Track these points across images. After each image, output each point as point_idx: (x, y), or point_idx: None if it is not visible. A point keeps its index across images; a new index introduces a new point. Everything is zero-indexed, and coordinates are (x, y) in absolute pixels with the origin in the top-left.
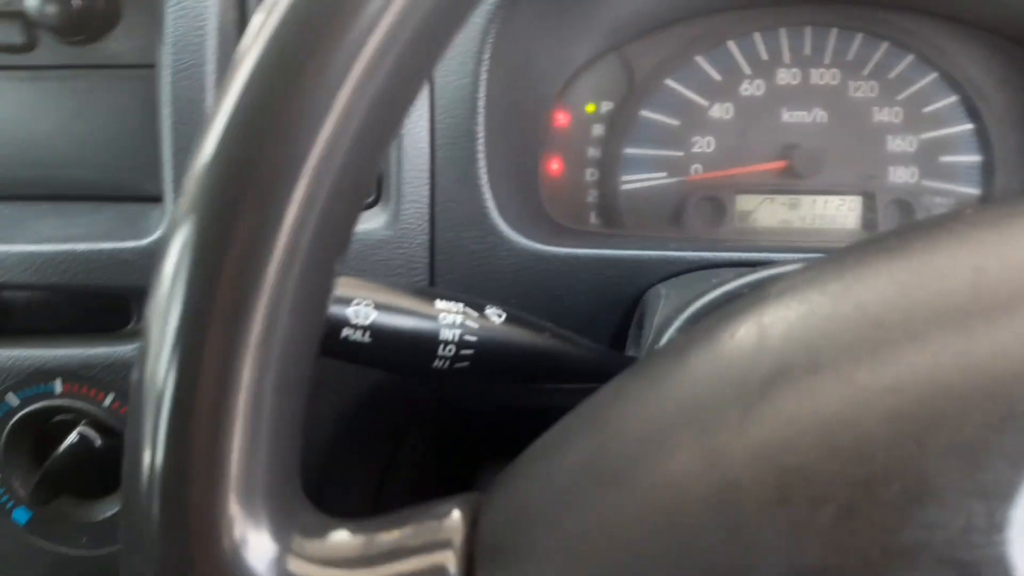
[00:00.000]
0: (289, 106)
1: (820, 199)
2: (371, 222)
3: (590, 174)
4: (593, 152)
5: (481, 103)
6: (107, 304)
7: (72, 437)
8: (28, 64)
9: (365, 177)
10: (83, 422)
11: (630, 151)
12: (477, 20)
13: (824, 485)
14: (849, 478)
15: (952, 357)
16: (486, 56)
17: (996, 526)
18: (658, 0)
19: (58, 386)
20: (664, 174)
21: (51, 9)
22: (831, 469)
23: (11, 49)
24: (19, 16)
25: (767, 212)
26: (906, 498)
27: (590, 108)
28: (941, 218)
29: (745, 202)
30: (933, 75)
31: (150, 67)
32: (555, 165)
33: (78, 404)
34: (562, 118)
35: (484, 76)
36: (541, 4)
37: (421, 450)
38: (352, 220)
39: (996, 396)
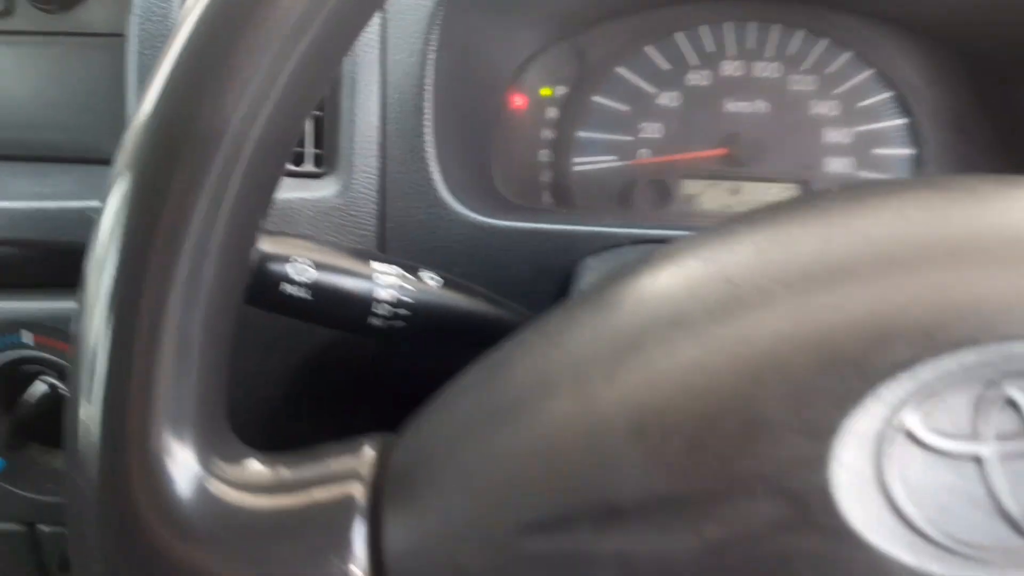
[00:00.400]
0: (217, 70)
1: (761, 186)
2: (322, 190)
3: (544, 155)
4: (547, 134)
5: (428, 81)
6: (74, 261)
7: (40, 387)
8: (3, 30)
9: (287, 140)
10: (51, 374)
11: (582, 134)
12: (425, 2)
13: (674, 419)
14: (695, 413)
15: (790, 311)
16: (433, 36)
17: (820, 459)
18: None
19: (27, 337)
20: (614, 157)
21: None
22: (680, 405)
23: None
24: None
25: (710, 196)
26: (742, 432)
27: (545, 92)
28: (811, 195)
29: (690, 186)
30: (869, 72)
31: (119, 36)
32: (510, 144)
33: (46, 355)
34: (518, 100)
35: (431, 56)
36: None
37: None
38: (275, 180)
39: (823, 345)
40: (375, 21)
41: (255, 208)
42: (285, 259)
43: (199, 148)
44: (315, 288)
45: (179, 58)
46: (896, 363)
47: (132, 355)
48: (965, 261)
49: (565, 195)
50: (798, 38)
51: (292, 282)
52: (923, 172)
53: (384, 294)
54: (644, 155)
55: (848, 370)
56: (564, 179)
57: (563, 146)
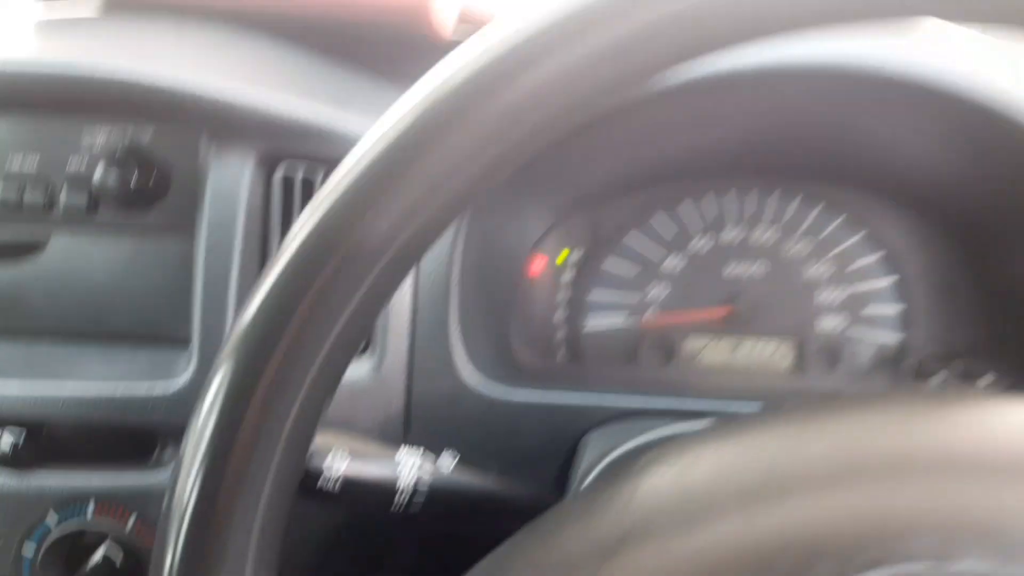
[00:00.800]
0: (308, 301)
1: (759, 343)
2: (357, 371)
3: (559, 315)
4: (562, 296)
5: (456, 270)
6: (137, 437)
7: (97, 556)
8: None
9: (356, 344)
10: (108, 540)
11: (594, 296)
12: None
13: None
14: None
15: (735, 528)
16: (462, 228)
17: None
18: (620, 174)
19: (91, 508)
20: (623, 317)
21: (111, 179)
22: None
23: (77, 211)
24: (87, 185)
25: (712, 352)
26: None
27: (561, 258)
28: (763, 414)
29: (693, 342)
30: (860, 234)
31: (189, 233)
32: (528, 307)
33: (105, 525)
34: (538, 266)
35: (460, 247)
36: (510, 189)
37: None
38: (342, 373)
39: (759, 561)
40: None
41: (327, 394)
42: (323, 454)
43: (292, 358)
44: (346, 480)
45: (280, 278)
46: None
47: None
48: (873, 487)
49: (578, 352)
50: (793, 206)
51: (325, 476)
52: (911, 329)
53: (405, 482)
54: (651, 314)
55: None
56: (577, 338)
57: (577, 307)
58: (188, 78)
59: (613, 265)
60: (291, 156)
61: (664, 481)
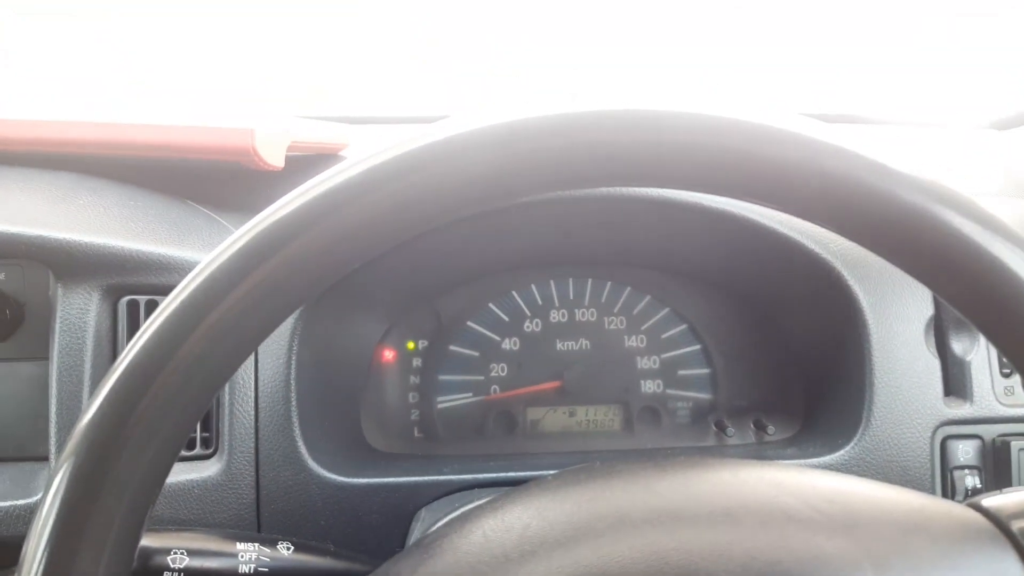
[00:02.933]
0: (134, 416)
1: (591, 408)
2: (207, 471)
3: (412, 397)
4: (414, 379)
5: (292, 373)
6: (3, 550)
7: None
8: None
9: (175, 452)
10: None
11: (443, 377)
12: (287, 321)
13: None
14: None
15: None
16: (296, 337)
17: None
18: (453, 272)
19: None
20: (470, 394)
21: None
22: None
23: None
24: None
25: (551, 420)
26: None
27: (410, 345)
28: (528, 487)
29: (534, 413)
30: (666, 310)
31: (44, 359)
32: (382, 392)
33: None
34: (388, 354)
35: (295, 352)
36: (342, 296)
37: None
38: (164, 477)
39: None
40: None
41: (151, 499)
42: (166, 552)
43: (116, 452)
44: (188, 573)
45: (107, 398)
46: None
47: None
48: (596, 543)
49: (432, 430)
50: (607, 288)
51: (170, 570)
52: (718, 388)
53: (245, 568)
54: (495, 391)
55: None
56: (431, 416)
57: (428, 389)
58: (33, 223)
59: (458, 349)
60: (133, 288)
61: (443, 552)
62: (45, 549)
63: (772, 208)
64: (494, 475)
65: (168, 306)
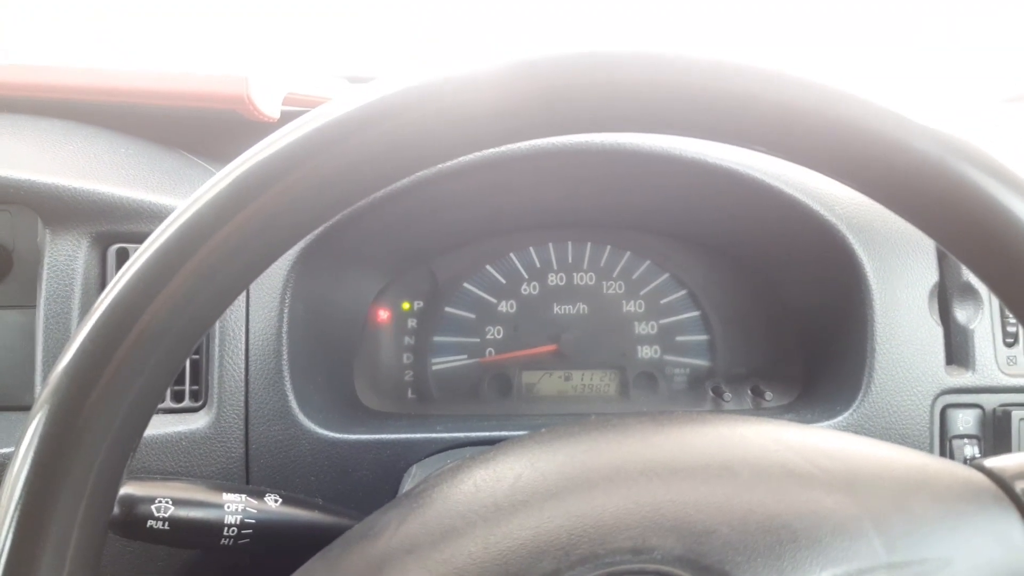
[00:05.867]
0: (113, 361)
1: (587, 373)
2: (195, 423)
3: (406, 358)
4: (408, 340)
5: (284, 328)
6: None
7: None
8: None
9: (154, 402)
10: None
11: (438, 339)
12: (280, 265)
13: None
14: None
15: (481, 538)
16: (288, 292)
17: None
18: (450, 232)
19: None
20: (465, 356)
21: None
22: None
23: None
24: None
25: (547, 384)
26: None
27: (405, 306)
28: (523, 437)
29: (529, 376)
30: (665, 275)
31: (32, 307)
32: (376, 352)
33: None
34: (383, 314)
35: (287, 307)
36: (336, 253)
37: None
38: (144, 425)
39: (497, 564)
40: None
41: (129, 450)
42: (150, 500)
43: (93, 398)
44: (173, 522)
45: (84, 342)
46: (545, 573)
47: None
48: (589, 494)
49: (426, 392)
50: (606, 252)
51: (155, 518)
52: (716, 355)
53: (231, 519)
54: (490, 353)
55: None
56: (425, 378)
57: (422, 350)
58: (22, 168)
59: (453, 311)
60: (123, 236)
61: (433, 501)
62: (20, 496)
63: (780, 157)
64: (488, 434)
65: (148, 248)
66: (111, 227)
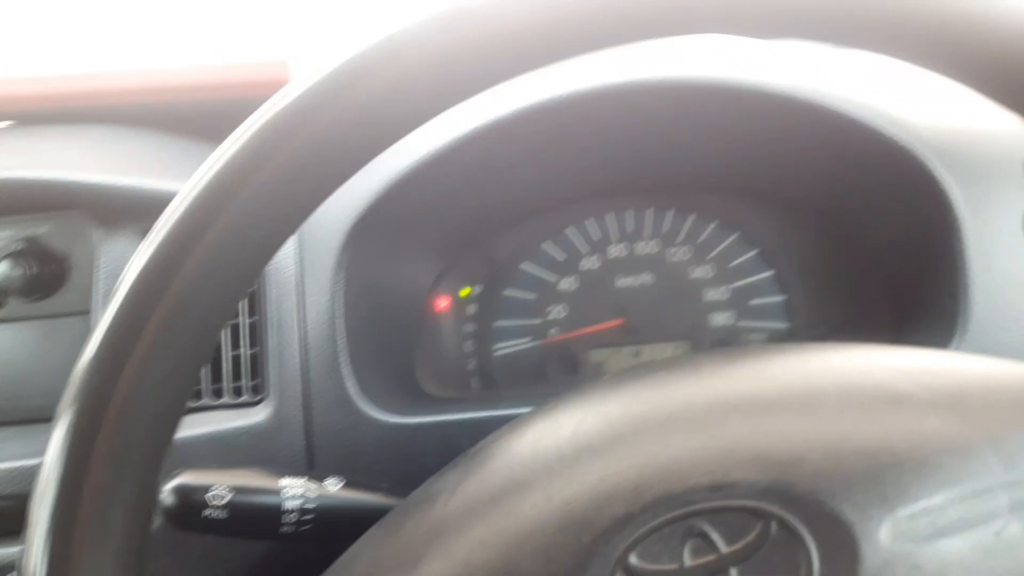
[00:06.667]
0: (131, 356)
1: (658, 346)
2: (256, 417)
3: (468, 345)
4: (469, 327)
5: (339, 314)
6: None
7: None
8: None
9: (189, 387)
10: None
11: (499, 323)
12: (332, 246)
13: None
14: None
15: (544, 488)
16: (340, 278)
17: None
18: (503, 209)
19: None
20: (528, 339)
21: (15, 273)
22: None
23: None
24: None
25: (615, 361)
26: None
27: (464, 292)
28: (580, 389)
29: (597, 355)
30: (734, 235)
31: (87, 313)
32: (437, 341)
33: None
34: (442, 303)
35: (341, 293)
36: (389, 240)
37: None
38: (177, 421)
39: (562, 512)
40: (291, 270)
41: (164, 445)
42: (205, 488)
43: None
44: (231, 509)
45: (104, 339)
46: (615, 518)
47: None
48: (660, 433)
49: (490, 378)
50: (669, 217)
51: (212, 506)
52: (795, 315)
53: (290, 504)
54: (554, 334)
55: (579, 528)
56: (488, 364)
57: (484, 336)
58: (71, 170)
59: (513, 293)
60: None
61: (491, 458)
62: (56, 498)
63: (887, 54)
64: None
65: (162, 227)
66: None
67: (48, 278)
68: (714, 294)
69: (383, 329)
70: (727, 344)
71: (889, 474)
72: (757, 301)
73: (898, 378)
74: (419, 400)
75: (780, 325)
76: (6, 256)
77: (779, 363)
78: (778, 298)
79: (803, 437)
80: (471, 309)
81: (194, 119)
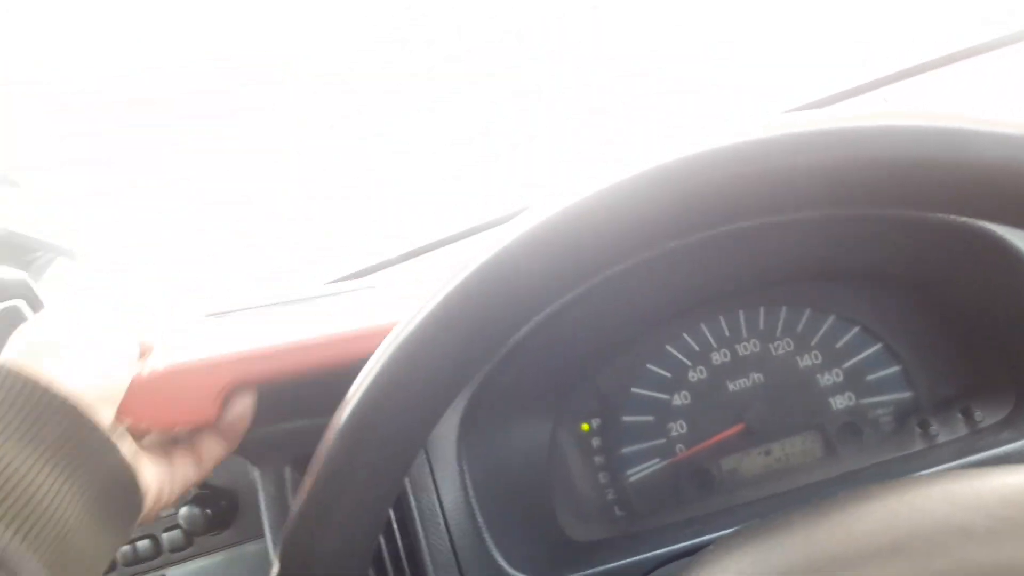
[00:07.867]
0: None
1: (787, 441)
2: None
3: (602, 477)
4: (599, 459)
5: (470, 486)
6: None
7: None
8: (189, 555)
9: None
10: None
11: (626, 450)
12: (450, 428)
13: None
14: None
15: None
16: (464, 458)
17: None
18: (610, 338)
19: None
20: (657, 460)
21: (195, 512)
22: None
23: (178, 548)
24: (178, 526)
25: (748, 465)
26: None
27: (584, 427)
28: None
29: (728, 463)
30: (831, 318)
31: (262, 537)
32: (569, 481)
33: None
34: (566, 444)
35: (466, 467)
36: (502, 400)
37: None
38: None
39: None
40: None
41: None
42: None
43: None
44: None
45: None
46: None
47: None
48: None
49: (629, 504)
50: (761, 315)
51: None
52: (915, 382)
53: None
54: (681, 450)
55: None
56: (625, 491)
57: (614, 464)
58: None
59: (631, 418)
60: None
61: None
62: None
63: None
64: (691, 542)
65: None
66: (305, 450)
67: (224, 513)
68: (828, 378)
69: (515, 491)
70: (856, 425)
71: None
72: (873, 376)
73: (978, 512)
74: (563, 549)
75: (903, 395)
76: (187, 502)
77: (865, 514)
78: (893, 368)
79: None
80: (596, 442)
81: None
